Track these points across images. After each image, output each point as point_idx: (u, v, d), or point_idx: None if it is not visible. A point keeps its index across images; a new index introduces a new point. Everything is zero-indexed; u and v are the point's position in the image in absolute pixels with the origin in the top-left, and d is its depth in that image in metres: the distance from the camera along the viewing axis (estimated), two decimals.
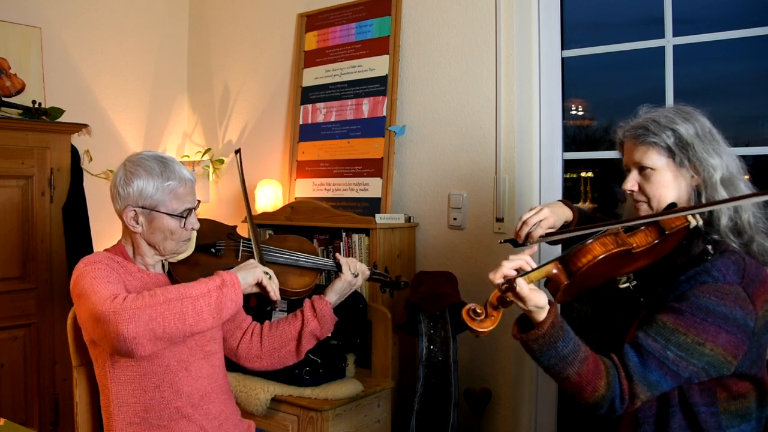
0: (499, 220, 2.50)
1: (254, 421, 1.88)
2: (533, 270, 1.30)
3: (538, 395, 2.48)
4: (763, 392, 1.42)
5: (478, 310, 1.28)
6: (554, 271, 1.31)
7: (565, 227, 1.65)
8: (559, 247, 2.18)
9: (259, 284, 1.60)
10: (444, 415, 2.30)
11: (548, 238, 1.58)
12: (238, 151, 1.94)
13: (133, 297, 1.43)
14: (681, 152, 1.44)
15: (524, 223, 1.59)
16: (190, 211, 1.66)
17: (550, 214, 1.60)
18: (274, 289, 1.61)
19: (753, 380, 1.40)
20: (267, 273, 1.61)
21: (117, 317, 1.38)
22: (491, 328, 1.28)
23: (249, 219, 1.84)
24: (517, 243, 1.60)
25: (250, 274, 1.58)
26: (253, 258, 1.75)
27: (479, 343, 2.54)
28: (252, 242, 1.82)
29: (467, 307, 1.29)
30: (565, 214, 1.67)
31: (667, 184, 1.46)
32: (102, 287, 1.47)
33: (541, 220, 1.58)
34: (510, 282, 1.26)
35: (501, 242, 1.67)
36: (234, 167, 3.42)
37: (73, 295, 1.54)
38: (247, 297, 2.17)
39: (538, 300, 1.28)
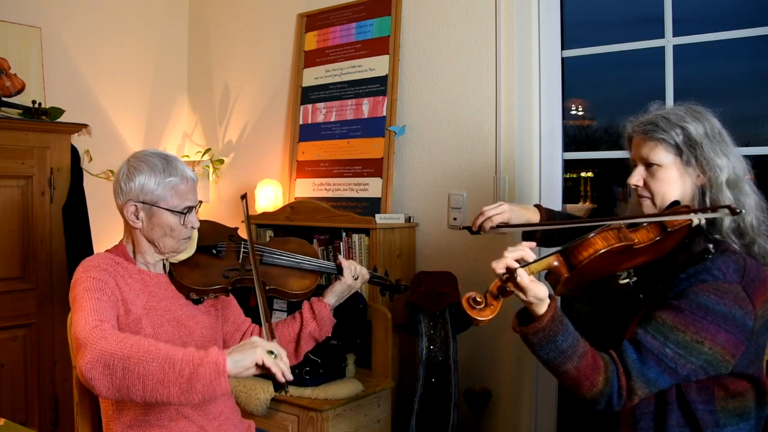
0: None
1: (254, 421, 1.88)
2: (534, 261, 1.30)
3: (538, 395, 2.48)
4: (761, 392, 1.42)
5: (478, 299, 1.29)
6: (555, 263, 1.32)
7: None
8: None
9: (261, 366, 1.34)
10: (444, 415, 2.30)
11: (498, 230, 1.72)
12: (243, 197, 1.84)
13: (109, 335, 1.36)
14: (689, 151, 1.44)
15: (481, 213, 1.72)
16: (190, 209, 1.66)
17: (508, 210, 1.73)
18: (282, 370, 1.34)
19: (751, 379, 1.40)
20: (271, 352, 1.35)
21: (83, 350, 1.34)
22: (490, 317, 1.29)
23: (253, 265, 1.69)
24: (472, 231, 1.76)
25: (247, 357, 1.32)
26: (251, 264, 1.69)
27: (479, 343, 2.54)
28: (260, 310, 1.57)
29: (467, 295, 1.30)
30: (527, 216, 1.77)
31: (672, 181, 1.47)
32: (89, 305, 1.44)
33: (496, 214, 1.71)
34: (511, 272, 1.27)
35: (459, 228, 1.83)
36: (234, 168, 3.43)
37: (69, 300, 1.54)
38: (247, 297, 2.18)
39: (538, 291, 1.28)
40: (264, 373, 1.35)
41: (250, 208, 3.01)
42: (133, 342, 1.34)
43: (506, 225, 1.69)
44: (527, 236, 1.81)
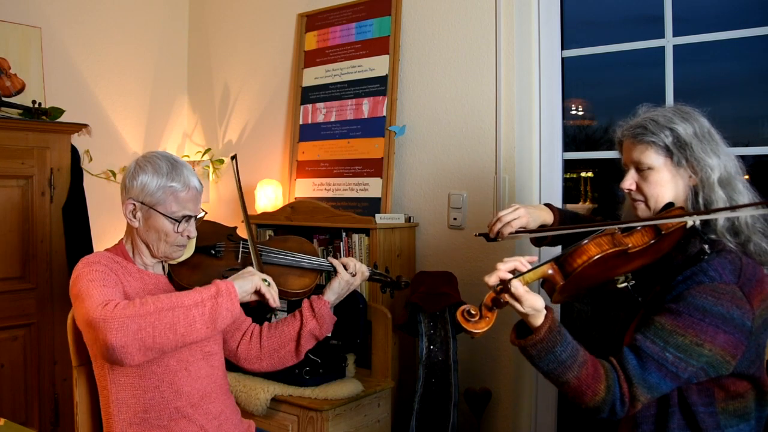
0: None
1: (254, 421, 1.88)
2: (528, 271, 1.30)
3: (538, 395, 2.48)
4: (761, 392, 1.42)
5: (473, 312, 1.28)
6: (550, 271, 1.31)
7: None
8: (558, 248, 2.18)
9: (257, 292, 1.57)
10: (444, 415, 2.30)
11: (517, 235, 1.66)
12: (234, 157, 1.90)
13: (125, 305, 1.41)
14: (679, 152, 1.44)
15: (498, 219, 1.66)
16: (189, 218, 1.65)
17: (525, 214, 1.66)
18: (273, 296, 1.58)
19: (751, 380, 1.40)
20: (265, 280, 1.57)
21: (106, 325, 1.37)
22: (486, 329, 1.28)
23: (246, 225, 1.81)
24: (489, 238, 1.69)
25: (248, 283, 1.54)
26: (251, 263, 1.73)
27: (479, 343, 2.54)
28: (250, 248, 1.78)
29: (462, 308, 1.29)
30: (543, 216, 1.72)
31: (664, 183, 1.47)
32: (97, 291, 1.46)
33: (514, 219, 1.64)
34: (505, 283, 1.26)
35: (475, 235, 1.76)
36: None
37: (71, 295, 1.54)
38: None
39: (534, 302, 1.27)
40: (258, 299, 1.57)
41: (250, 208, 3.02)
42: (152, 300, 1.43)
43: (524, 230, 1.66)
44: (538, 238, 1.80)
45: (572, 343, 1.32)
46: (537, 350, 1.30)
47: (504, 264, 1.31)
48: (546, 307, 1.31)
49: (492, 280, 1.29)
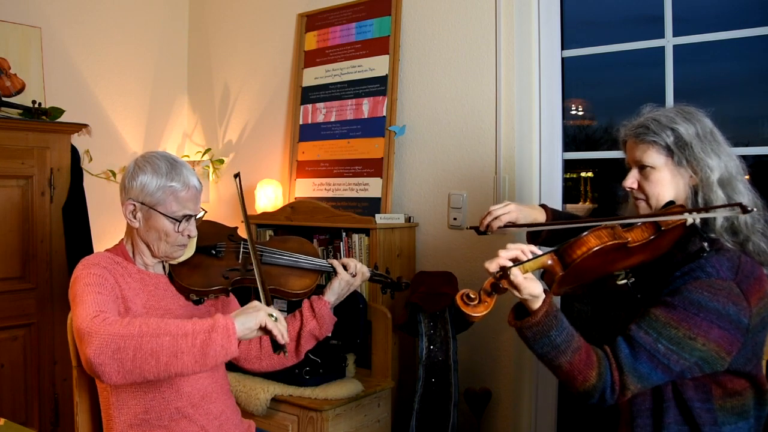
0: None
1: (254, 421, 1.88)
2: (528, 260, 1.32)
3: (538, 395, 2.48)
4: (760, 391, 1.43)
5: (472, 296, 1.31)
6: (549, 262, 1.33)
7: None
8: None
9: (263, 328, 1.45)
10: (444, 415, 2.30)
11: (505, 229, 1.71)
12: (237, 175, 1.82)
13: (112, 321, 1.37)
14: (680, 152, 1.46)
15: (488, 213, 1.73)
16: (189, 217, 1.65)
17: (515, 210, 1.72)
18: (281, 332, 1.46)
19: (749, 378, 1.41)
20: (272, 315, 1.46)
21: (89, 339, 1.34)
22: (484, 313, 1.31)
23: (251, 248, 1.71)
24: (480, 231, 1.75)
25: (252, 319, 1.43)
26: (252, 264, 1.70)
27: (479, 343, 2.54)
28: (256, 277, 1.64)
29: (461, 292, 1.32)
30: (534, 215, 1.76)
31: (665, 182, 1.49)
32: (90, 298, 1.45)
33: (503, 214, 1.71)
34: (504, 270, 1.29)
35: (466, 228, 1.83)
36: (234, 168, 3.42)
37: (69, 297, 1.54)
38: (248, 296, 2.18)
39: (532, 289, 1.31)
40: (264, 334, 1.45)
41: (249, 209, 3.02)
42: (140, 322, 1.37)
43: (513, 225, 1.70)
44: (533, 236, 1.82)
45: (568, 328, 1.35)
46: (533, 333, 1.34)
47: (506, 252, 1.34)
48: (545, 291, 1.34)
49: (492, 266, 1.32)
